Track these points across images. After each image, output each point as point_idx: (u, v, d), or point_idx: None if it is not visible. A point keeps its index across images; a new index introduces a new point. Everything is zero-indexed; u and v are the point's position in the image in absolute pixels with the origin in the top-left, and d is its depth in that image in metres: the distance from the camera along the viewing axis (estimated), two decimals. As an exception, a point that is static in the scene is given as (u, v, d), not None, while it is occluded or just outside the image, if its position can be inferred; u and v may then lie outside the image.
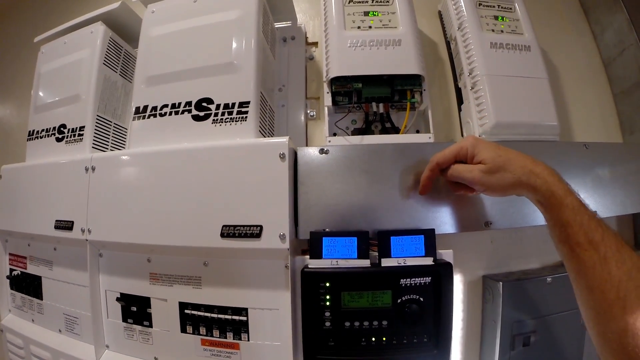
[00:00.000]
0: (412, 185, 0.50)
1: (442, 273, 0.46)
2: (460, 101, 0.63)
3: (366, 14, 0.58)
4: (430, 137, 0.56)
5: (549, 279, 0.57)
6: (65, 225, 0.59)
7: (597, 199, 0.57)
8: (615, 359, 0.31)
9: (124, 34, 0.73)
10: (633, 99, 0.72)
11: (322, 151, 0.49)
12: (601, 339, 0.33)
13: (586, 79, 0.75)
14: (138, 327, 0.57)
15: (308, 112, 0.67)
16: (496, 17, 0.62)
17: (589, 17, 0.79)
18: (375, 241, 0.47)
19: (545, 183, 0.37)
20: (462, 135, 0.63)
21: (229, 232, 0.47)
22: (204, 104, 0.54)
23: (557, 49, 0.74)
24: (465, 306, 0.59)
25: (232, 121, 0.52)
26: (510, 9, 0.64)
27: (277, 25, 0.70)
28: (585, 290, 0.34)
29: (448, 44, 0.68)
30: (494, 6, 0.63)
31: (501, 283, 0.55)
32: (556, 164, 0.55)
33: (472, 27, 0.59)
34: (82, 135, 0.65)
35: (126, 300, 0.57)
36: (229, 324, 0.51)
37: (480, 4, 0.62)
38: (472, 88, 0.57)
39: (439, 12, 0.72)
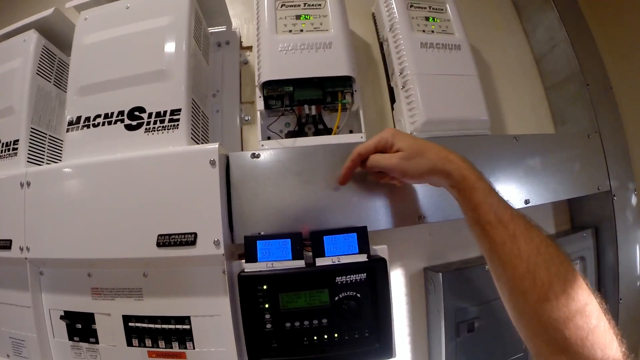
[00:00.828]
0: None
1: (376, 268, 0.47)
2: (393, 100, 0.65)
3: (298, 17, 0.59)
4: (362, 137, 0.58)
5: (487, 267, 0.59)
6: (3, 245, 0.57)
7: (529, 188, 0.60)
8: (531, 330, 0.34)
9: (58, 42, 0.70)
10: (564, 92, 0.77)
11: (253, 155, 0.49)
12: (517, 313, 0.35)
13: (518, 74, 0.79)
14: (85, 345, 0.55)
15: (243, 116, 0.66)
16: (427, 18, 0.64)
17: (521, 15, 0.84)
18: (309, 241, 0.48)
19: (458, 168, 0.39)
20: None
21: (165, 241, 0.47)
22: (136, 113, 0.53)
23: (490, 47, 0.78)
24: (409, 298, 0.61)
25: (164, 129, 0.51)
26: (442, 9, 0.66)
27: (212, 30, 0.69)
28: (499, 267, 0.37)
29: (381, 44, 0.70)
30: (425, 7, 0.65)
31: (441, 274, 0.58)
32: (487, 156, 0.59)
33: (403, 27, 0.61)
34: (16, 149, 0.62)
35: (70, 317, 0.55)
36: (173, 334, 0.50)
37: (411, 6, 0.64)
38: (403, 87, 0.59)
39: (373, 14, 0.73)
